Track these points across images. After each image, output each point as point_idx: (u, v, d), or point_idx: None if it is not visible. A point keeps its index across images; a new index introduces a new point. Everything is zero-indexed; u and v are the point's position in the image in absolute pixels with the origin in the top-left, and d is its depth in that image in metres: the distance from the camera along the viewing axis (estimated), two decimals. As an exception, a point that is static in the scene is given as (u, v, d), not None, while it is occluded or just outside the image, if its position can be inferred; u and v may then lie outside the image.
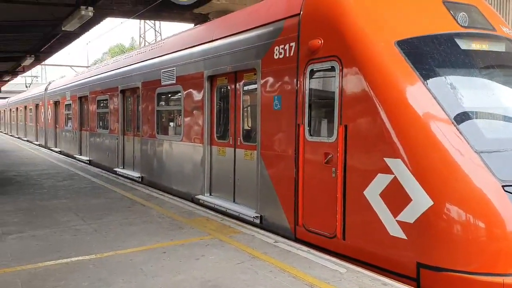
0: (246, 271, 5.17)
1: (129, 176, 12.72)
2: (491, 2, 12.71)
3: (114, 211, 8.34)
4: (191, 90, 9.42)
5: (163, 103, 11.14)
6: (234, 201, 8.25)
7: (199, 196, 9.01)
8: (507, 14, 12.90)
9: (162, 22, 59.62)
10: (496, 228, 4.51)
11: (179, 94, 10.01)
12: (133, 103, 13.12)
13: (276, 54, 6.83)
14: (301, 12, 6.41)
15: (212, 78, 8.78)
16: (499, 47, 6.02)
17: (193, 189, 9.34)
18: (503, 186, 4.60)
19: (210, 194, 8.95)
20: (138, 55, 12.95)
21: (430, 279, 4.75)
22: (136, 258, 5.63)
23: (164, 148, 10.77)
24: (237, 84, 8.12)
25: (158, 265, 5.38)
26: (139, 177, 12.07)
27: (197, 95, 9.17)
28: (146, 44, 52.99)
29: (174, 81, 10.12)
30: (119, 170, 13.61)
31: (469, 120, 5.17)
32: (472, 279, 4.50)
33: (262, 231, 6.82)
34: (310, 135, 6.24)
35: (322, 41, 5.97)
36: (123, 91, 13.58)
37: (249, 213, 7.45)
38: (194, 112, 9.30)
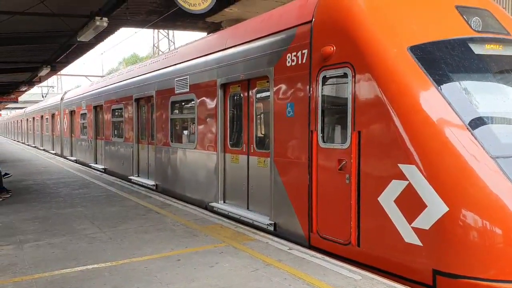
0: (261, 278, 5.17)
1: (143, 184, 12.81)
2: (505, 7, 12.59)
3: (129, 219, 8.40)
4: (204, 98, 9.48)
5: (176, 111, 11.22)
6: (247, 208, 8.26)
7: (213, 204, 9.04)
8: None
9: (175, 31, 60.18)
10: (513, 234, 4.45)
11: (192, 102, 10.08)
12: (147, 112, 13.23)
13: (289, 61, 6.85)
14: (313, 19, 6.43)
15: (225, 86, 8.83)
16: (514, 51, 5.97)
17: (206, 197, 9.38)
18: (519, 192, 4.54)
19: (224, 202, 8.97)
20: (152, 64, 13.07)
21: (447, 286, 4.69)
22: (151, 266, 5.66)
23: (178, 156, 10.83)
24: (250, 92, 8.15)
25: (173, 273, 5.40)
26: (154, 185, 12.15)
27: (210, 103, 9.22)
28: (160, 53, 53.49)
29: (187, 89, 10.20)
30: (133, 178, 13.70)
31: (484, 125, 5.11)
32: (490, 286, 4.44)
33: (276, 238, 6.81)
34: (324, 141, 6.23)
35: (335, 48, 5.98)
36: (137, 100, 13.70)
37: (263, 220, 7.45)
38: (207, 120, 9.35)
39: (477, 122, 5.07)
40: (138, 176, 13.80)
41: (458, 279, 4.61)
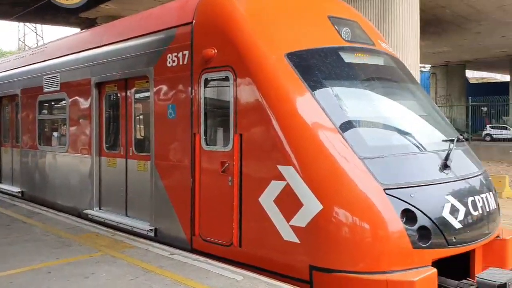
0: (141, 286, 4.97)
1: (7, 191, 11.63)
2: (370, 19, 13.80)
3: (-11, 231, 7.54)
4: (77, 97, 8.89)
5: (45, 111, 10.38)
6: (126, 214, 7.91)
7: (88, 211, 8.50)
8: (387, 32, 14.13)
9: (44, 26, 55.85)
10: (379, 229, 4.85)
11: (63, 102, 9.40)
12: (11, 112, 12.07)
13: (169, 62, 6.72)
14: (194, 21, 6.39)
15: (100, 85, 8.37)
16: (378, 61, 6.54)
17: (80, 204, 8.78)
18: (384, 190, 4.97)
19: (100, 208, 8.48)
20: (16, 60, 11.95)
21: (322, 280, 4.96)
22: (17, 280, 5.13)
23: (47, 160, 10.01)
24: (128, 92, 7.83)
25: (42, 286, 4.95)
26: (19, 192, 11.08)
27: (84, 103, 8.67)
28: (27, 48, 49.19)
29: (58, 88, 9.48)
30: (-5, 185, 12.39)
31: (353, 129, 5.51)
32: (360, 278, 4.79)
33: (157, 244, 6.62)
34: (207, 144, 6.21)
35: (216, 51, 6.00)
36: (-1, 99, 12.44)
37: (143, 226, 7.19)
38: (81, 121, 8.78)
39: (347, 126, 5.44)
40: (0, 182, 12.50)
41: (332, 273, 4.90)
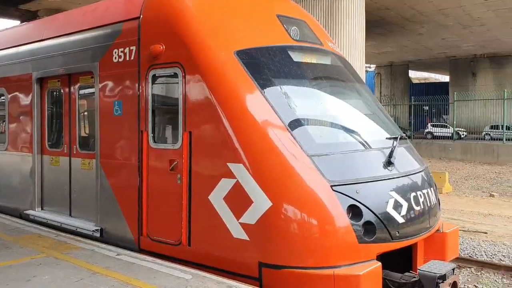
0: (86, 288, 4.82)
1: None
2: (318, 19, 14.04)
3: None
4: (17, 93, 8.48)
5: (-18, 107, 9.83)
6: (70, 215, 7.63)
7: (29, 211, 8.13)
8: (334, 32, 14.42)
9: (-20, 17, 52.86)
10: (326, 225, 4.95)
11: (2, 97, 8.94)
12: None
13: (115, 57, 6.54)
14: (141, 16, 6.25)
15: (42, 81, 8.03)
16: (326, 60, 6.66)
17: (21, 204, 8.39)
18: (331, 186, 5.07)
19: (42, 209, 8.14)
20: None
21: (271, 277, 5.00)
22: (-51, 288, 4.84)
23: (-15, 159, 9.48)
24: (72, 88, 7.56)
25: (-22, 293, 4.70)
26: (-48, 193, 10.42)
27: (25, 99, 8.29)
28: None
29: (-4, 83, 9.00)
30: None
31: (302, 127, 5.58)
32: (307, 273, 4.87)
33: (104, 245, 6.43)
34: (154, 142, 6.10)
35: (164, 47, 5.90)
36: None
37: (88, 226, 6.96)
38: (21, 118, 8.38)
39: (295, 124, 5.51)
40: None
41: (280, 269, 4.96)
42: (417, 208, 5.63)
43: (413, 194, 5.66)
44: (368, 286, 4.78)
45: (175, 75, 5.83)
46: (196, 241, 5.57)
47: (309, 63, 6.33)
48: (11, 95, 8.64)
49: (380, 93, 50.45)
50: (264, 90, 5.55)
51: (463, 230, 11.52)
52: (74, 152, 7.53)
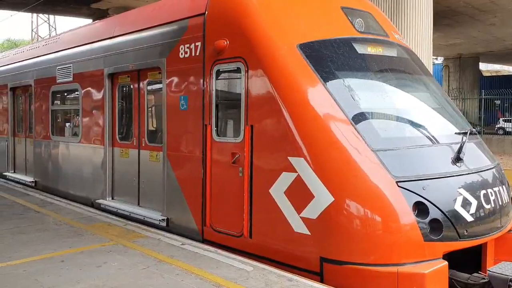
0: (152, 276, 5.02)
1: (20, 181, 11.76)
2: (384, 11, 13.68)
3: (4, 219, 7.64)
4: (90, 88, 8.94)
5: (58, 102, 10.46)
6: (138, 204, 7.97)
7: (100, 201, 8.58)
8: (400, 24, 13.99)
9: (57, 17, 56.10)
10: (391, 221, 4.83)
11: (76, 92, 9.46)
12: (24, 102, 12.17)
13: (182, 53, 6.72)
14: (206, 12, 6.38)
15: (113, 76, 8.41)
16: (392, 52, 6.47)
17: (93, 194, 8.87)
18: (397, 182, 4.94)
19: (113, 198, 8.56)
20: (30, 50, 12.02)
21: (333, 272, 4.96)
22: (30, 269, 5.21)
23: (60, 150, 10.10)
24: (141, 83, 7.86)
25: (55, 275, 5.02)
26: (32, 181, 11.21)
27: (97, 94, 8.73)
28: (39, 39, 49.48)
29: (71, 79, 9.54)
30: (9, 174, 12.54)
31: (366, 120, 5.48)
32: (370, 270, 4.79)
33: (169, 234, 6.67)
34: (218, 135, 6.23)
35: (228, 42, 5.99)
36: (13, 89, 12.54)
37: (155, 216, 7.25)
38: (93, 112, 8.84)
39: (359, 118, 5.41)
40: (14, 172, 12.65)
41: (342, 265, 4.91)
42: (487, 207, 5.37)
43: (483, 191, 5.40)
44: (433, 285, 4.63)
45: (238, 70, 5.91)
46: (257, 234, 5.63)
47: (374, 55, 6.19)
48: (84, 90, 9.12)
49: (448, 86, 48.30)
50: (327, 83, 5.49)
51: (539, 232, 10.82)
52: (143, 145, 7.84)
